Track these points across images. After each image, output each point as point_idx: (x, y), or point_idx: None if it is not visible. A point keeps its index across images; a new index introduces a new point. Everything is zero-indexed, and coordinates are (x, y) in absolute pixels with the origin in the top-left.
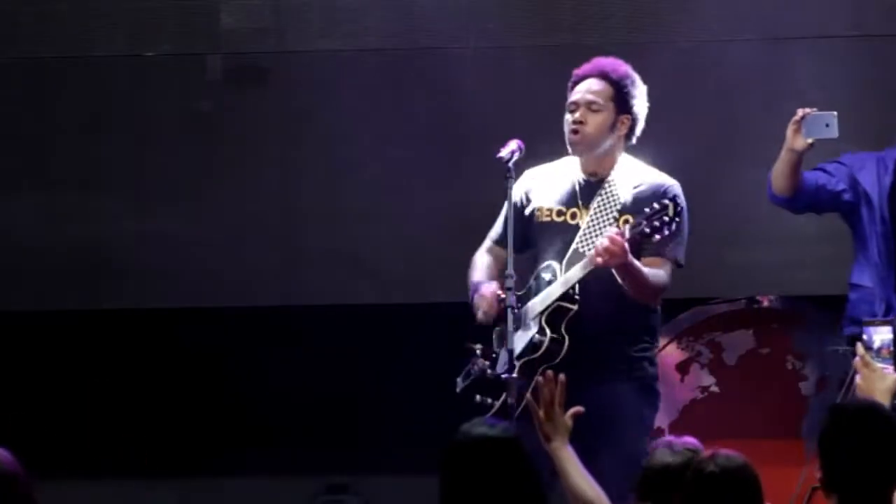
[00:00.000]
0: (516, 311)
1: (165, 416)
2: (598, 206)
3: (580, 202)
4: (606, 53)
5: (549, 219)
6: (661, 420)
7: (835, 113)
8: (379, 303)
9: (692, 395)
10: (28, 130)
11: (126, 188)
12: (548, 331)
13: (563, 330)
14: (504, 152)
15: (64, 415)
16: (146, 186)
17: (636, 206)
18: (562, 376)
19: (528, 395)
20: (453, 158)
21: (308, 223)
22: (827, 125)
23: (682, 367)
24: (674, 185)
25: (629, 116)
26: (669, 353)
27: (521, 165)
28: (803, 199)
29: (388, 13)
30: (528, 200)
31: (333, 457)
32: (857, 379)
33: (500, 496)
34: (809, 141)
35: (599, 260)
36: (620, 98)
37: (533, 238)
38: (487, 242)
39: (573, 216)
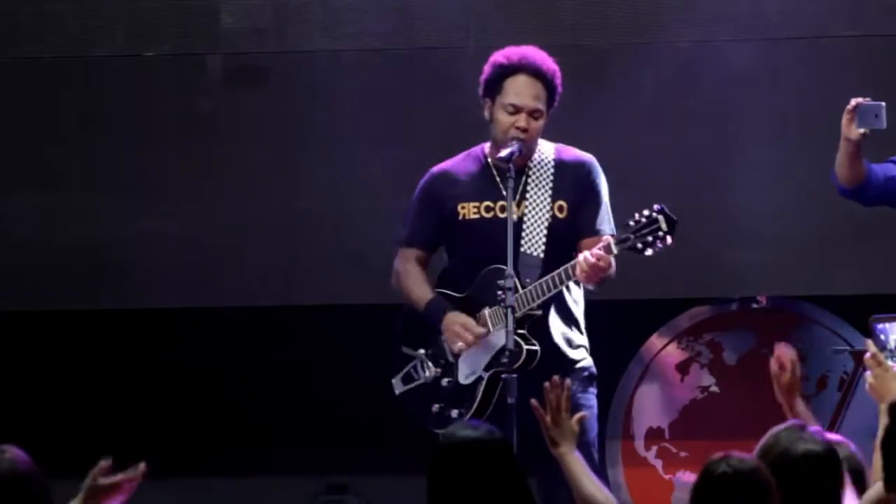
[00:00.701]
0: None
1: (165, 416)
2: (532, 201)
3: (506, 195)
4: (606, 53)
5: (476, 216)
6: (662, 420)
7: (883, 104)
8: (379, 303)
9: (692, 395)
10: (28, 130)
11: (126, 188)
12: (523, 343)
13: (529, 335)
14: (504, 152)
15: (64, 415)
16: (146, 186)
17: (564, 186)
18: (567, 381)
19: (534, 401)
20: None
21: (308, 223)
22: (876, 116)
23: (682, 367)
24: (592, 158)
25: (550, 111)
26: (669, 353)
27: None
28: (873, 191)
29: (388, 13)
30: (446, 199)
31: (333, 457)
32: (868, 377)
33: (488, 498)
34: (862, 131)
35: (584, 276)
36: (550, 97)
37: (455, 237)
38: (407, 250)
39: (503, 209)
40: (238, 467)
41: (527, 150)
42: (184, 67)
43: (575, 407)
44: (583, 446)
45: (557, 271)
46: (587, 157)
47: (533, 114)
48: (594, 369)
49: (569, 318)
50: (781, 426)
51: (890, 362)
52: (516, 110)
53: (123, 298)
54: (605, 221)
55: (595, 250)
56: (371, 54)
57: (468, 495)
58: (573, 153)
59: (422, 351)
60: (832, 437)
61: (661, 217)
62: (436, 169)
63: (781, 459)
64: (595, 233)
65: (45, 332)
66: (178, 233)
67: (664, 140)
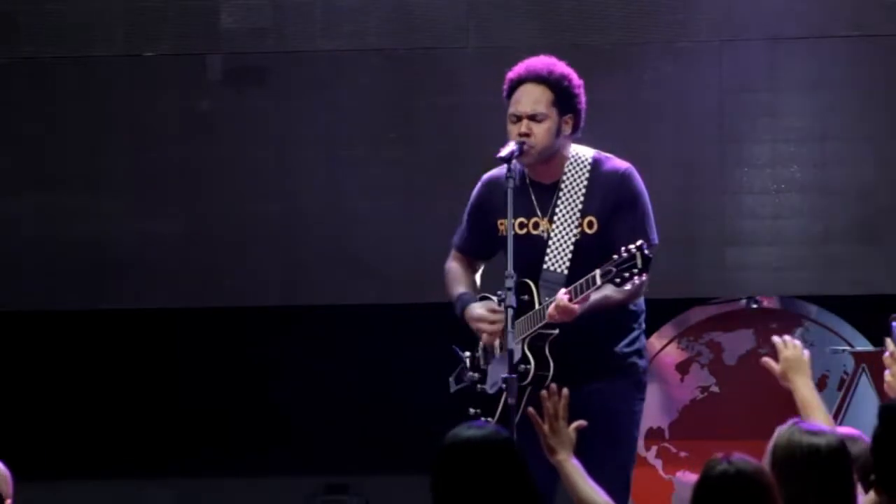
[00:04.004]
0: (513, 310)
1: (165, 415)
2: (560, 217)
3: (539, 211)
4: (606, 53)
5: (511, 231)
6: (662, 420)
7: None
8: (379, 303)
9: (692, 395)
10: (28, 130)
11: (126, 188)
12: (532, 358)
13: (547, 353)
14: (504, 152)
15: (64, 415)
16: (146, 186)
17: (594, 201)
18: (565, 390)
19: (531, 409)
20: (453, 158)
21: (308, 223)
22: None
23: (682, 367)
24: (629, 168)
25: (571, 115)
26: (669, 353)
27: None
28: None
29: (388, 13)
30: (490, 211)
31: (333, 457)
32: (887, 375)
33: (494, 497)
34: None
35: (549, 317)
36: (561, 100)
37: (496, 248)
38: (456, 253)
39: (535, 226)
40: (238, 467)
41: (536, 152)
42: (184, 67)
43: (612, 410)
44: (620, 451)
45: (544, 305)
46: (623, 166)
47: (534, 117)
48: (642, 375)
49: (613, 323)
50: (785, 425)
51: None
52: (518, 118)
53: (123, 298)
54: (640, 232)
55: (563, 301)
56: (371, 54)
57: (473, 494)
58: (610, 164)
59: (468, 353)
60: (847, 430)
61: (638, 254)
62: (486, 177)
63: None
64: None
65: (45, 332)
66: (179, 233)
67: (664, 140)
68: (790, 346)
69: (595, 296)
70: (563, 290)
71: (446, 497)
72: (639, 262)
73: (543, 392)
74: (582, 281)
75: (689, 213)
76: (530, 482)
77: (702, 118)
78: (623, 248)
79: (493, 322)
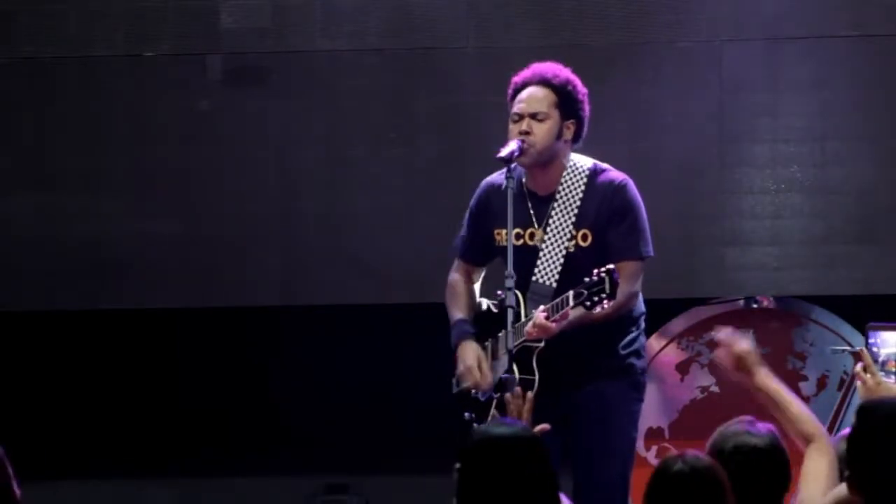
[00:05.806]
0: (512, 309)
1: (165, 415)
2: (553, 229)
3: (535, 223)
4: (606, 53)
5: (511, 233)
6: (661, 420)
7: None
8: (379, 303)
9: (692, 395)
10: (28, 130)
11: (126, 188)
12: (517, 370)
13: (533, 365)
14: (504, 152)
15: (64, 415)
16: (146, 186)
17: (589, 213)
18: (529, 393)
19: (494, 412)
20: (453, 158)
21: (308, 223)
22: None
23: (682, 367)
24: (625, 179)
25: (574, 121)
26: (669, 353)
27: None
28: None
29: (388, 13)
30: (489, 218)
31: (333, 457)
32: (858, 386)
33: (520, 494)
34: None
35: (527, 335)
36: (564, 104)
37: (494, 255)
38: (458, 261)
39: (531, 236)
40: (238, 467)
41: (535, 152)
42: (184, 67)
43: (610, 410)
44: (617, 452)
45: (523, 321)
46: (619, 177)
47: (535, 116)
48: (640, 376)
49: (611, 325)
50: (730, 423)
51: (880, 374)
52: (519, 117)
53: (123, 298)
54: (632, 244)
55: (540, 320)
56: (371, 54)
57: (500, 491)
58: (606, 175)
59: None
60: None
61: (607, 279)
62: (486, 182)
63: (731, 456)
64: (620, 258)
65: (45, 332)
66: (178, 233)
67: (664, 140)
68: (740, 340)
69: (576, 312)
70: (541, 308)
71: (473, 494)
72: (607, 286)
73: (508, 395)
74: (558, 300)
75: (689, 213)
76: (555, 480)
77: (702, 118)
78: (595, 271)
79: (474, 375)
